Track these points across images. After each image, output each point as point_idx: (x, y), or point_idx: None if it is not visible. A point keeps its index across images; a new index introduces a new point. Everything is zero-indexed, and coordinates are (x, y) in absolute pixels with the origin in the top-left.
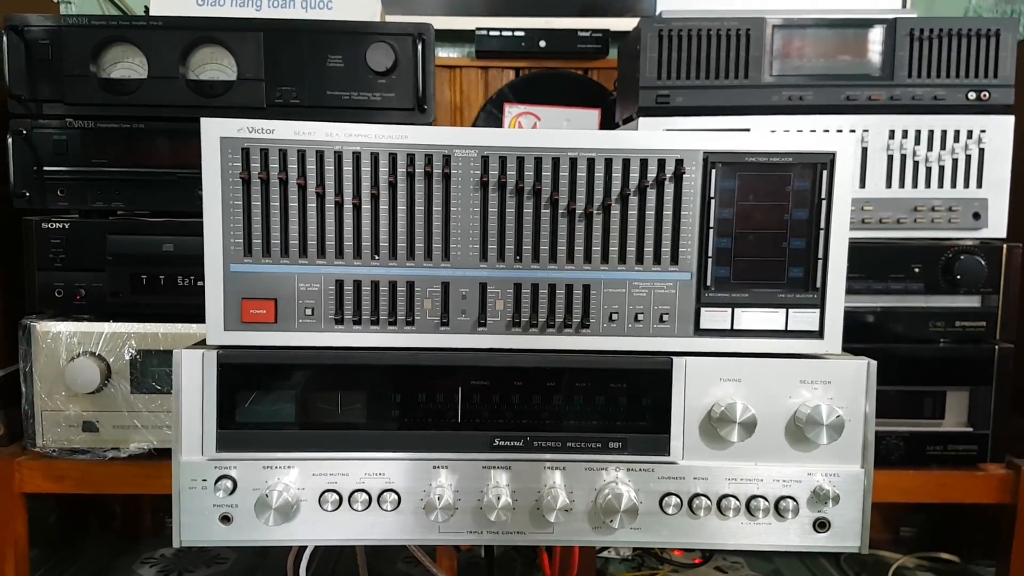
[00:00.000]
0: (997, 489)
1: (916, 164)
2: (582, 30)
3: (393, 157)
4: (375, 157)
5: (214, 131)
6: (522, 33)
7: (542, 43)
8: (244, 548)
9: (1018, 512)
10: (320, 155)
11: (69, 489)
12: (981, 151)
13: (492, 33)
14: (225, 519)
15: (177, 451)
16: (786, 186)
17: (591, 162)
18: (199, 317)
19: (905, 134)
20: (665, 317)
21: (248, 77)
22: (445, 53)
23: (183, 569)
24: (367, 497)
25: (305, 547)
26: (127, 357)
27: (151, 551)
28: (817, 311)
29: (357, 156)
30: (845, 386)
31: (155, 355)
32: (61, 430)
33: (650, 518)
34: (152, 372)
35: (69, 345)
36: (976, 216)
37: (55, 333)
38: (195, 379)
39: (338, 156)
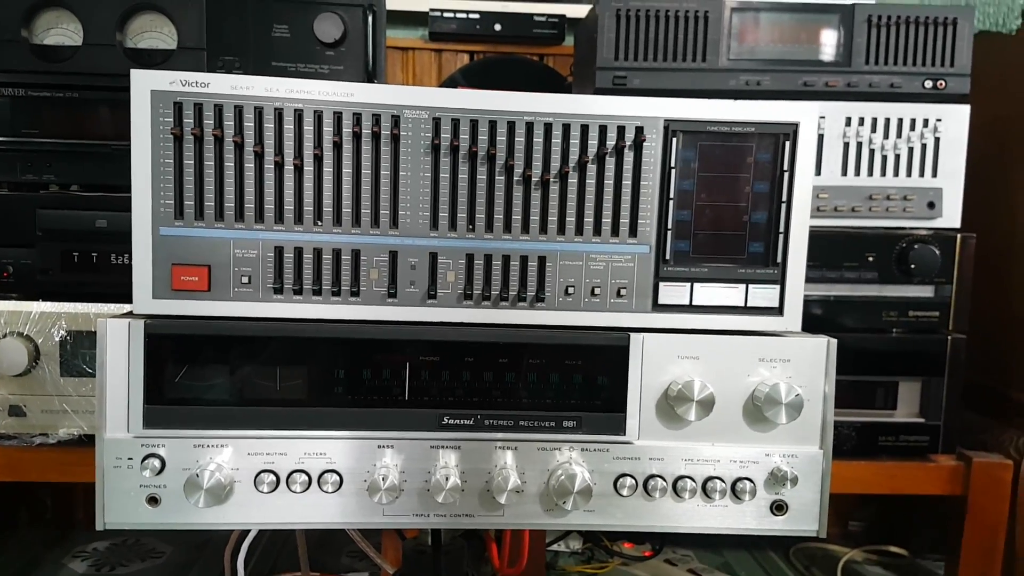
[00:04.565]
0: (948, 480)
1: (872, 152)
2: (538, 15)
3: (338, 116)
4: (319, 115)
5: (144, 84)
6: (477, 16)
7: (497, 27)
8: (180, 541)
9: (968, 504)
10: (259, 112)
11: None
12: (936, 140)
13: (446, 15)
14: (152, 500)
15: (101, 427)
16: (748, 157)
17: (548, 127)
18: None
19: (862, 121)
20: (623, 291)
21: (189, 46)
22: (398, 35)
23: (116, 563)
24: (307, 478)
25: (243, 540)
26: (57, 338)
27: (83, 544)
28: (777, 287)
29: (299, 114)
30: (804, 365)
31: (86, 336)
32: None
33: (604, 500)
34: (83, 354)
35: None
36: (931, 205)
37: None
38: (121, 350)
39: (278, 113)
